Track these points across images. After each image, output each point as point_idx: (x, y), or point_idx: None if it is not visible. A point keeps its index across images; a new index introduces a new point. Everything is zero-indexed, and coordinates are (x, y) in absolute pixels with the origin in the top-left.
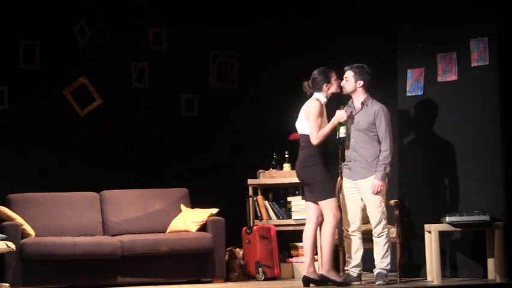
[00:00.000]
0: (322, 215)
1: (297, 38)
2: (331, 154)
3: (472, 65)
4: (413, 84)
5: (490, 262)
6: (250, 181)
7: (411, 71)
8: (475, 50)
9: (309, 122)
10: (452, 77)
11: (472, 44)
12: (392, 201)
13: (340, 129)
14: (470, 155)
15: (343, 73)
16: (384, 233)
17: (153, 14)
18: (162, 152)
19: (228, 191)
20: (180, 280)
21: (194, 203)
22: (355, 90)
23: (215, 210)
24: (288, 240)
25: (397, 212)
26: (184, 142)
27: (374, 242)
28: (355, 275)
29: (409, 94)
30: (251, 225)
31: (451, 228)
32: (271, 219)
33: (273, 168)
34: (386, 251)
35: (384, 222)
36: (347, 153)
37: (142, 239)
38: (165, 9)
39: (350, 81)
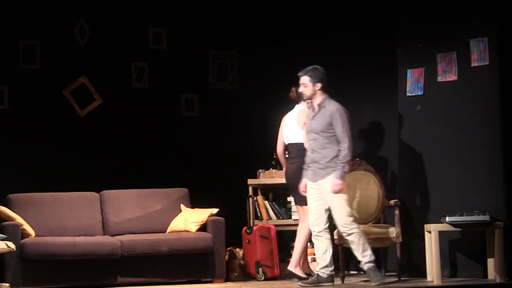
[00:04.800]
0: None
1: (297, 38)
2: None
3: (472, 65)
4: (413, 84)
5: (490, 262)
6: (250, 181)
7: (411, 71)
8: (475, 50)
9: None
10: (452, 77)
11: (472, 44)
12: (392, 201)
13: None
14: (470, 155)
15: (298, 79)
16: (353, 230)
17: (153, 14)
18: (162, 152)
19: (228, 191)
20: (180, 280)
21: (194, 203)
22: (314, 93)
23: (215, 210)
24: (288, 240)
25: (397, 212)
26: (184, 142)
27: (349, 241)
28: (325, 276)
29: (409, 94)
30: (251, 225)
31: (451, 228)
32: (271, 219)
33: (273, 168)
34: (364, 245)
35: (350, 219)
36: (308, 155)
37: (142, 239)
38: (165, 9)
39: (308, 86)
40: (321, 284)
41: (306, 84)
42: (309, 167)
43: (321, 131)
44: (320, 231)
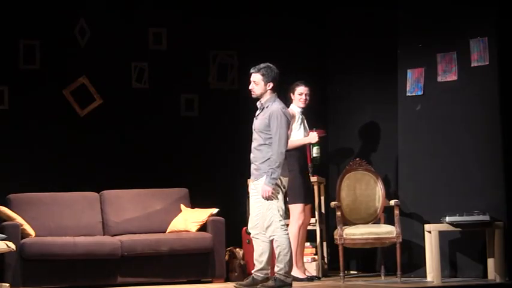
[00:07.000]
0: (308, 216)
1: (297, 38)
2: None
3: (472, 65)
4: (413, 84)
5: (490, 262)
6: (250, 181)
7: (411, 71)
8: (475, 50)
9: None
10: (452, 77)
11: (472, 44)
12: (392, 201)
13: (313, 149)
14: (470, 155)
15: (250, 76)
16: (273, 236)
17: (153, 14)
18: (162, 152)
19: (228, 191)
20: (180, 280)
21: (194, 203)
22: (264, 92)
23: (215, 210)
24: None
25: (397, 212)
26: (184, 142)
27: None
28: (259, 278)
29: (409, 94)
30: None
31: (451, 228)
32: None
33: None
34: (279, 256)
35: (274, 225)
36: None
37: (142, 239)
38: (165, 9)
39: (259, 84)
40: (255, 287)
41: (258, 82)
42: (251, 166)
43: (260, 131)
44: (257, 233)
